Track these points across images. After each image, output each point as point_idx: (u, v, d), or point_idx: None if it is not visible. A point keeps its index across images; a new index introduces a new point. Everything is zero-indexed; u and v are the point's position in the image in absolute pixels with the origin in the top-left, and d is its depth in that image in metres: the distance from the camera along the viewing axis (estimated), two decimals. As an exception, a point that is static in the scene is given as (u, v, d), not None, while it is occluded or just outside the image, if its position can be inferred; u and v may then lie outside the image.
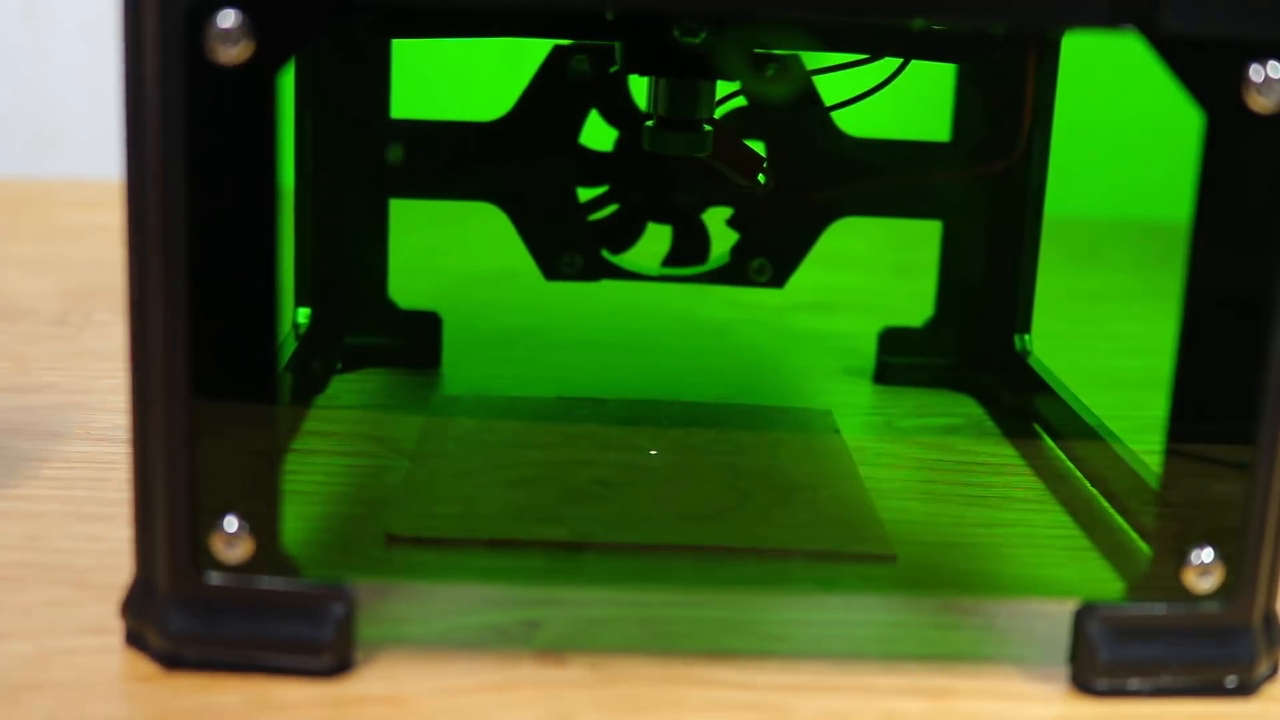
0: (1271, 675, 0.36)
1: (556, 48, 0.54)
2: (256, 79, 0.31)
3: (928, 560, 0.43)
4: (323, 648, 0.34)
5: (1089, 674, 0.35)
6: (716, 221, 0.56)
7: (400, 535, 0.42)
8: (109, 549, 0.41)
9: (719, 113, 0.51)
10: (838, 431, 0.53)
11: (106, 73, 0.82)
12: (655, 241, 0.57)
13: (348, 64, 0.55)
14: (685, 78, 0.47)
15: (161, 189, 0.32)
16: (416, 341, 0.59)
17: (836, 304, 0.76)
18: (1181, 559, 0.35)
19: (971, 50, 0.53)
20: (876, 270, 0.86)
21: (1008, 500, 0.48)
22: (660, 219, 0.56)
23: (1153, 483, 0.40)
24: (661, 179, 0.55)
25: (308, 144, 0.54)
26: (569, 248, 0.56)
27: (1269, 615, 0.36)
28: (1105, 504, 0.46)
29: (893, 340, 0.61)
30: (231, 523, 0.33)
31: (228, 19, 0.31)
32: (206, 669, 0.34)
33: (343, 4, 0.32)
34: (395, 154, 0.56)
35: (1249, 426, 0.34)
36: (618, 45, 0.48)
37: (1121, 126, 1.08)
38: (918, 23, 0.36)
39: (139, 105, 0.32)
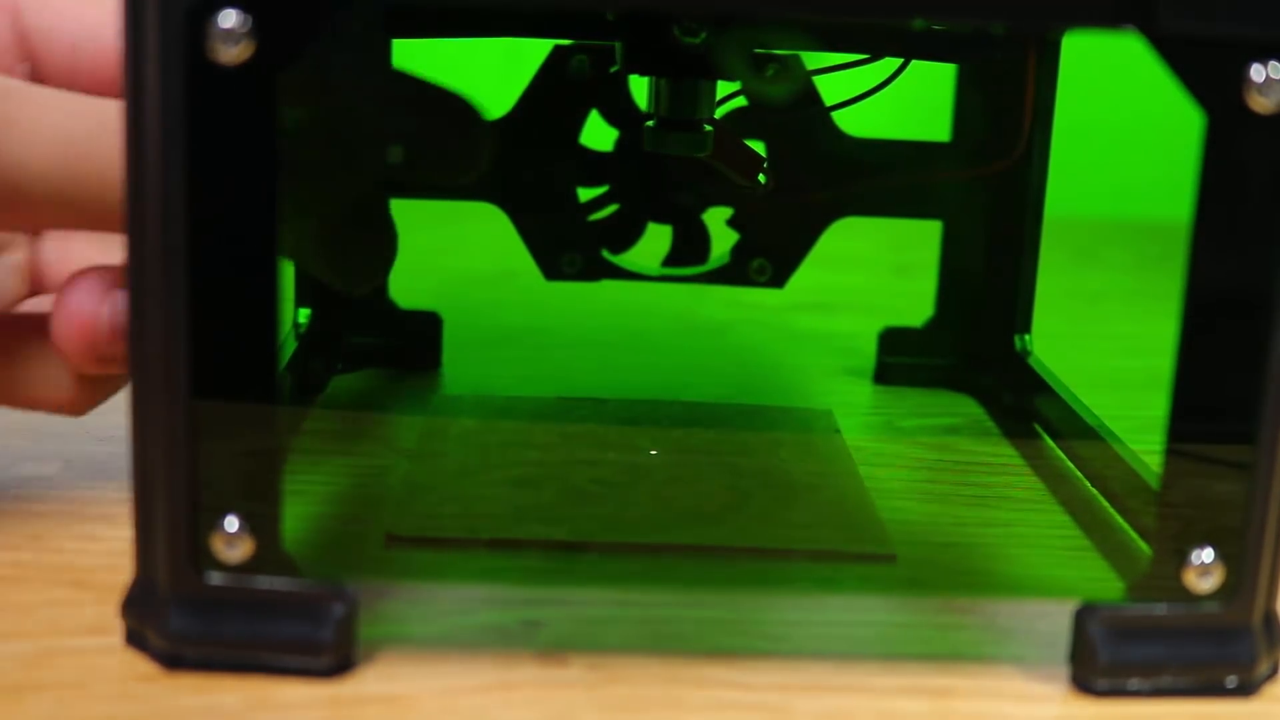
0: (1272, 675, 0.36)
1: (557, 48, 0.54)
2: (257, 79, 0.31)
3: (928, 560, 0.43)
4: (323, 648, 0.34)
5: (1089, 674, 0.35)
6: (716, 221, 0.56)
7: (400, 535, 0.42)
8: (109, 549, 0.41)
9: (719, 113, 0.51)
10: (838, 431, 0.53)
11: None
12: (655, 241, 0.57)
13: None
14: (685, 78, 0.47)
15: (161, 189, 0.32)
16: (416, 341, 0.59)
17: (836, 304, 0.76)
18: (1182, 559, 0.35)
19: (971, 50, 0.53)
20: (876, 270, 0.86)
21: (1008, 500, 0.48)
22: (660, 219, 0.56)
23: (1153, 483, 0.40)
24: (662, 179, 0.55)
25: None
26: (569, 248, 0.56)
27: (1269, 615, 0.36)
28: (1105, 504, 0.46)
29: (893, 340, 0.61)
30: (232, 523, 0.33)
31: (228, 19, 0.31)
32: (207, 669, 0.34)
33: (344, 4, 0.32)
34: (395, 154, 0.56)
35: (1249, 426, 0.34)
36: (618, 45, 0.48)
37: (1121, 126, 1.09)
38: (918, 23, 0.36)
39: (139, 105, 0.32)
